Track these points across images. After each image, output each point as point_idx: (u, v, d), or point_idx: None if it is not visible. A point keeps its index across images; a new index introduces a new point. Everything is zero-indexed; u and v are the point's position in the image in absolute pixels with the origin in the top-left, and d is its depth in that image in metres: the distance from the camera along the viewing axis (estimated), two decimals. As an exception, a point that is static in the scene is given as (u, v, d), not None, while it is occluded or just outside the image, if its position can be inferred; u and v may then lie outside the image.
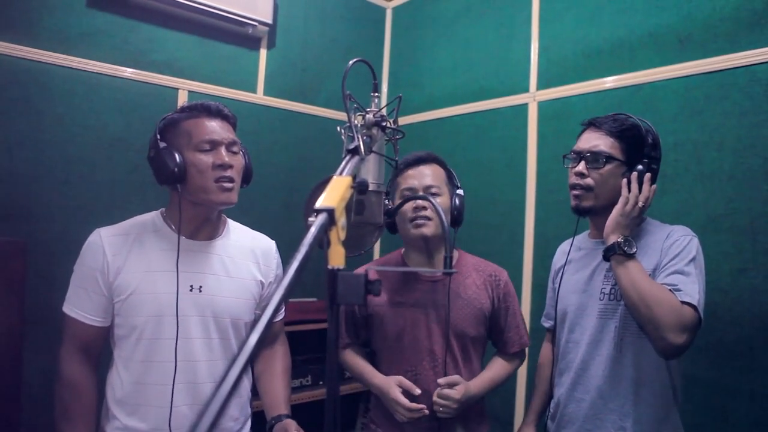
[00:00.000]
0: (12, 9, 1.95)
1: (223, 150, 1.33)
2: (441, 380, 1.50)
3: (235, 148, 1.37)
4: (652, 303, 1.24)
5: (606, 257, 1.36)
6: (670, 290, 1.26)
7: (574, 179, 1.45)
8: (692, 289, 1.26)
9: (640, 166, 1.36)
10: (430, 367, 1.55)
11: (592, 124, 1.46)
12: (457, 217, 1.55)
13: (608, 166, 1.39)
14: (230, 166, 1.34)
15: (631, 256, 1.30)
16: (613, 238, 1.33)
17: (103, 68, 2.12)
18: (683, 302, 1.24)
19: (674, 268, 1.30)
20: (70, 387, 1.32)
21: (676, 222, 1.48)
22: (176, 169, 1.29)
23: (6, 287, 1.69)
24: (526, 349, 1.72)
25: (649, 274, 1.33)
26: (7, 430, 1.66)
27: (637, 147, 1.38)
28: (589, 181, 1.41)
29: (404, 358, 1.57)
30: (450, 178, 1.62)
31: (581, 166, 1.42)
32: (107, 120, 2.13)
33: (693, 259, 1.31)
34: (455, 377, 1.51)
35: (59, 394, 1.32)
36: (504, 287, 1.66)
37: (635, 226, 1.39)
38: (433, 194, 1.55)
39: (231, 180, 1.34)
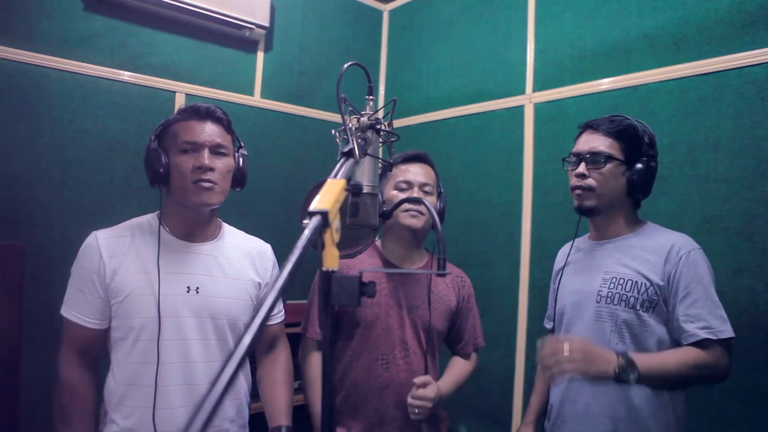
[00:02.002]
0: (10, 13, 1.95)
1: (205, 152, 1.33)
2: (416, 380, 1.53)
3: (223, 150, 1.37)
4: (692, 375, 1.27)
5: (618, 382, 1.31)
6: (705, 332, 1.28)
7: (575, 181, 1.46)
8: (723, 320, 1.30)
9: (639, 165, 1.39)
10: (401, 357, 1.59)
11: (589, 126, 1.48)
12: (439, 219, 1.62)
13: (608, 166, 1.41)
14: (210, 169, 1.33)
15: (638, 377, 1.25)
16: (609, 371, 1.25)
17: (100, 72, 2.13)
18: (723, 339, 1.29)
19: (696, 295, 1.31)
20: (69, 390, 1.32)
21: (672, 223, 1.49)
22: (161, 170, 1.31)
23: (4, 290, 1.69)
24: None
25: (648, 277, 1.35)
26: (5, 433, 1.67)
27: (635, 146, 1.41)
28: (590, 181, 1.43)
29: (376, 346, 1.59)
30: (438, 181, 1.70)
31: (582, 168, 1.44)
32: (105, 123, 2.14)
33: (709, 275, 1.34)
34: (427, 377, 1.55)
35: (58, 397, 1.32)
36: (468, 289, 1.76)
37: None
38: (427, 192, 1.63)
39: (210, 181, 1.33)
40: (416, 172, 1.63)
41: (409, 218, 1.59)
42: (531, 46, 2.34)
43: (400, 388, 1.57)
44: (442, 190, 1.69)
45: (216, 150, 1.35)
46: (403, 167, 1.64)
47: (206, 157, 1.32)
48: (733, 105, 1.69)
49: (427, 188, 1.62)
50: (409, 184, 1.62)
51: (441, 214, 1.64)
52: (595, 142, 1.43)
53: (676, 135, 1.80)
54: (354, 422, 1.60)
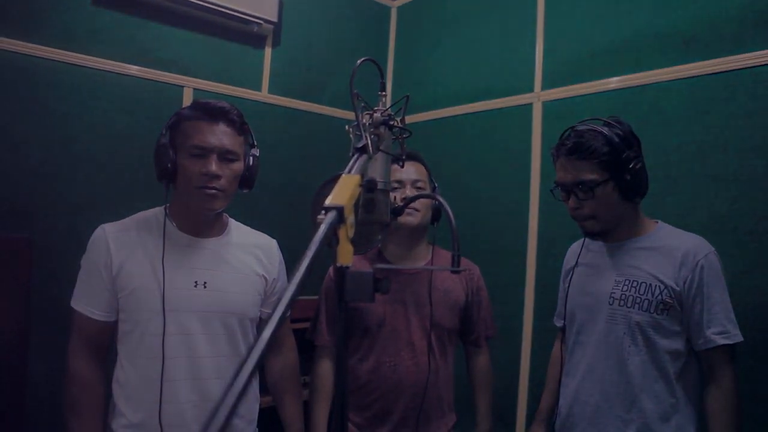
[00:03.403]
0: (19, 6, 1.95)
1: (213, 158, 1.31)
2: None
3: (231, 156, 1.34)
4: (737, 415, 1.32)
5: None
6: (722, 337, 1.30)
7: (572, 211, 1.45)
8: (735, 324, 1.32)
9: (626, 173, 1.35)
10: (409, 358, 1.58)
11: (564, 153, 1.42)
12: (436, 214, 1.63)
13: (598, 190, 1.37)
14: (216, 177, 1.31)
15: None
16: None
17: (109, 66, 2.13)
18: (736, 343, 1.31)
19: (713, 299, 1.32)
20: (78, 382, 1.33)
21: (681, 223, 1.48)
22: (168, 166, 1.30)
23: (12, 282, 1.70)
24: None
25: (662, 280, 1.34)
26: (11, 425, 1.67)
27: (615, 156, 1.35)
28: (586, 211, 1.41)
29: (383, 349, 1.58)
30: (430, 177, 1.69)
31: (573, 201, 1.42)
32: (113, 117, 2.14)
33: (724, 278, 1.35)
34: None
35: (67, 389, 1.33)
36: (477, 281, 1.74)
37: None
38: (419, 188, 1.63)
39: (215, 188, 1.32)
40: (407, 170, 1.62)
41: (404, 216, 1.57)
42: (540, 44, 2.33)
43: (409, 389, 1.55)
44: (436, 185, 1.67)
45: (225, 156, 1.33)
46: (393, 167, 1.63)
47: (214, 164, 1.30)
48: (743, 105, 1.68)
49: (419, 184, 1.62)
50: (401, 183, 1.61)
51: (437, 209, 1.62)
52: (575, 171, 1.38)
53: (686, 134, 1.79)
54: (362, 424, 1.60)
